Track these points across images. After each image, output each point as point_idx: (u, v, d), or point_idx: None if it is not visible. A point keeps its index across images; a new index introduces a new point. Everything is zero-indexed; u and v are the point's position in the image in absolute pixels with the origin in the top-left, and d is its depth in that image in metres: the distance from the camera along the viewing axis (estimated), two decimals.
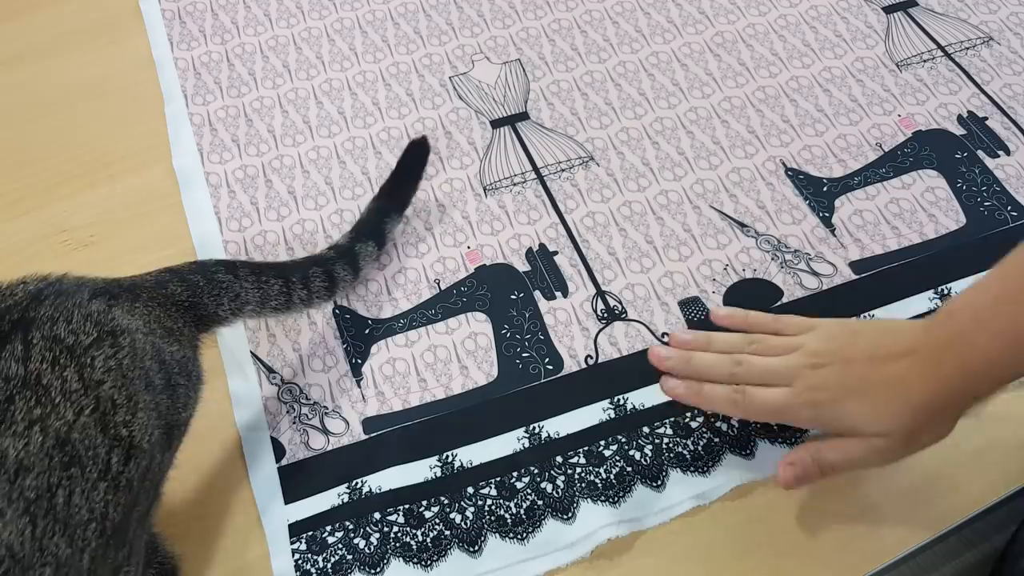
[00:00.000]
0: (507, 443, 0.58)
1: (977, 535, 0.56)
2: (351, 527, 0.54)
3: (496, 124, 0.74)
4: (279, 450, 0.57)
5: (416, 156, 0.68)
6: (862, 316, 0.63)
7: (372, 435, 0.58)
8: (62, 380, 0.38)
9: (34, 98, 0.76)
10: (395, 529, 0.54)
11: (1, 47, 0.79)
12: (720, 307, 0.62)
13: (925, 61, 0.77)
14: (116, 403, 0.40)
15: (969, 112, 0.74)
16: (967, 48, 0.78)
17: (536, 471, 0.57)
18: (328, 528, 0.54)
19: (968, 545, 0.55)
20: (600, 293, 0.65)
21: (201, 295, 0.50)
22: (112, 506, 0.39)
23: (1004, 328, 0.46)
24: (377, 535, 0.54)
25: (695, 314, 0.63)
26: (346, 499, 0.55)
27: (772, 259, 0.66)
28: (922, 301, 0.64)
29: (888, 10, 0.81)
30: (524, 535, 0.54)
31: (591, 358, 0.61)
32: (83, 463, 0.38)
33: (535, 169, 0.71)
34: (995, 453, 0.57)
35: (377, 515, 0.55)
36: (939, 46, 0.78)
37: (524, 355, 0.62)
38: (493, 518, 0.55)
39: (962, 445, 0.57)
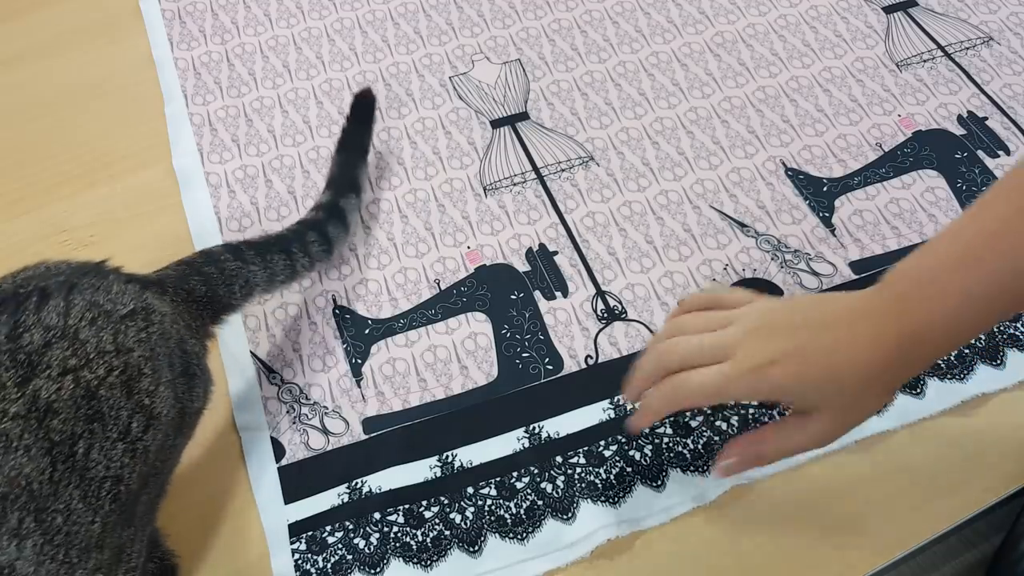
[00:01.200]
0: (507, 443, 0.58)
1: (977, 535, 0.56)
2: (351, 527, 0.54)
3: (496, 124, 0.74)
4: (279, 450, 0.57)
5: (363, 107, 0.69)
6: None
7: (372, 435, 0.58)
8: (98, 339, 0.41)
9: (34, 98, 0.76)
10: (395, 529, 0.54)
11: (1, 47, 0.79)
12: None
13: (925, 61, 0.77)
14: (142, 372, 0.42)
15: (969, 112, 0.74)
16: (967, 48, 0.78)
17: (536, 471, 0.57)
18: (328, 528, 0.54)
19: (968, 545, 0.55)
20: (600, 293, 0.65)
21: (216, 287, 0.51)
22: (127, 471, 0.41)
23: (948, 292, 0.43)
24: (377, 535, 0.54)
25: None
26: (346, 499, 0.55)
27: (772, 259, 0.66)
28: None
29: (888, 10, 0.81)
30: (524, 535, 0.54)
31: (591, 358, 0.61)
32: (106, 420, 0.40)
33: (535, 169, 0.71)
34: (995, 453, 0.57)
35: (377, 515, 0.55)
36: (939, 46, 0.78)
37: (524, 355, 0.62)
38: (493, 518, 0.55)
39: (962, 445, 0.58)
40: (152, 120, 0.74)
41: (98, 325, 0.41)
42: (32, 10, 0.82)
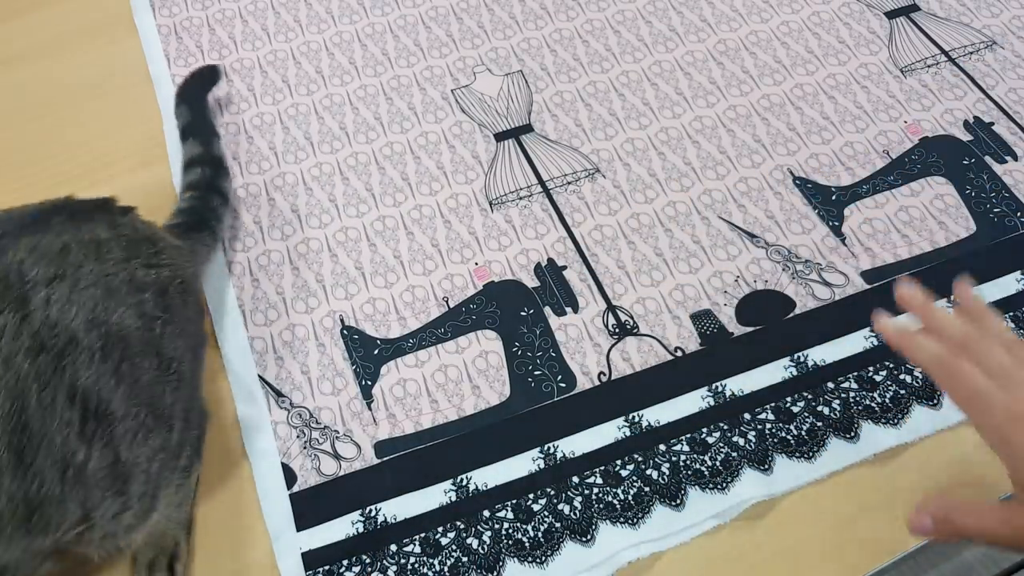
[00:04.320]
0: (522, 464, 0.57)
1: None
2: (368, 560, 0.53)
3: (500, 137, 0.73)
4: (290, 476, 0.56)
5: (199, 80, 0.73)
6: None
7: (384, 459, 0.57)
8: (171, 251, 0.54)
9: (34, 98, 0.75)
10: (412, 560, 0.53)
11: (1, 47, 0.78)
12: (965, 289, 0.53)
13: (929, 66, 0.77)
14: (189, 283, 0.55)
15: (975, 117, 0.73)
16: (971, 53, 0.78)
17: (552, 492, 0.56)
18: (345, 563, 0.53)
19: (968, 545, 0.55)
20: (611, 308, 0.64)
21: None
22: (186, 355, 0.52)
23: None
24: (394, 568, 0.53)
25: (708, 327, 0.63)
26: (360, 528, 0.54)
27: (783, 270, 0.65)
28: None
29: (891, 15, 0.81)
30: (543, 559, 0.53)
31: (604, 375, 0.61)
32: (174, 310, 0.51)
33: (541, 182, 0.70)
34: (995, 453, 0.57)
35: (393, 547, 0.54)
36: (943, 51, 0.78)
37: (536, 373, 0.61)
38: (511, 542, 0.54)
39: (962, 445, 0.58)
40: (152, 120, 0.73)
41: (171, 242, 0.55)
42: (32, 10, 0.81)
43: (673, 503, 0.55)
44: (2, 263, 0.44)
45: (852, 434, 0.58)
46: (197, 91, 0.72)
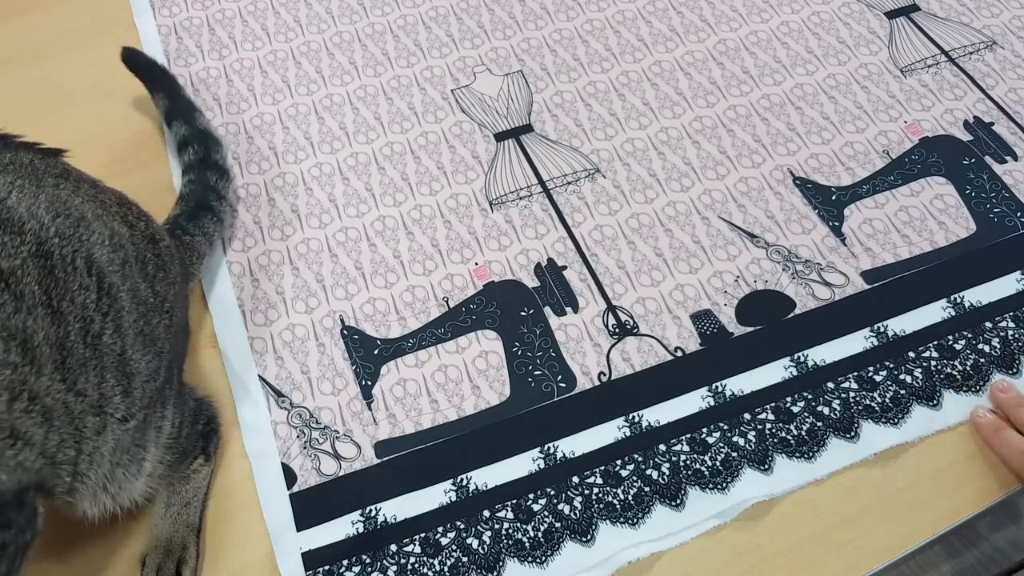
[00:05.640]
0: (522, 464, 0.57)
1: (977, 535, 0.56)
2: (368, 560, 0.53)
3: (500, 137, 0.73)
4: (290, 476, 0.56)
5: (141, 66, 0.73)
6: (877, 327, 0.62)
7: (385, 459, 0.57)
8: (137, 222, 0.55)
9: (34, 98, 0.75)
10: (412, 560, 0.53)
11: (1, 47, 0.78)
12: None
13: (929, 66, 0.77)
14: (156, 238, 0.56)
15: (975, 117, 0.73)
16: (971, 53, 0.78)
17: (552, 492, 0.56)
18: (345, 563, 0.53)
19: (968, 545, 0.55)
20: (611, 308, 0.64)
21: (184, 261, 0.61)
22: (169, 302, 0.53)
23: None
24: (394, 568, 0.53)
25: (708, 327, 0.63)
26: (360, 528, 0.54)
27: (783, 270, 0.65)
28: (935, 310, 0.63)
29: (891, 15, 0.81)
30: (543, 559, 0.53)
31: (604, 375, 0.61)
32: (164, 261, 0.54)
33: (541, 182, 0.70)
34: (995, 453, 0.57)
35: (393, 547, 0.54)
36: (943, 51, 0.78)
37: (536, 373, 0.61)
38: (511, 542, 0.54)
39: (962, 446, 0.58)
40: (152, 120, 0.73)
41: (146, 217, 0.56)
42: (32, 10, 0.81)
43: (673, 503, 0.55)
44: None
45: (852, 434, 0.58)
46: (163, 76, 0.73)
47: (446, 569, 0.53)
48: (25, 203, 0.44)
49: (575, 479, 0.56)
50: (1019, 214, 0.68)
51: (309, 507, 0.55)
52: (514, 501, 0.55)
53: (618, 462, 0.57)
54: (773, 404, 0.59)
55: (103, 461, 0.46)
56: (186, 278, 0.60)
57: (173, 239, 0.60)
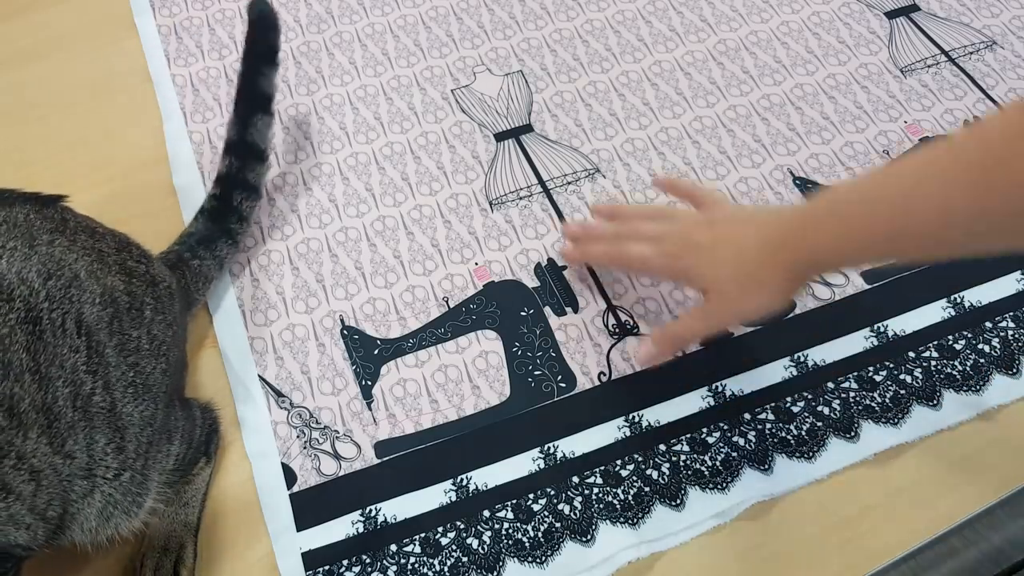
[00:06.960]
0: (522, 464, 0.57)
1: (977, 535, 0.56)
2: (368, 560, 0.53)
3: (500, 137, 0.73)
4: (290, 476, 0.56)
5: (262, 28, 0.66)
6: (877, 327, 0.62)
7: (385, 459, 0.57)
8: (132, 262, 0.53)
9: (34, 98, 0.75)
10: (412, 560, 0.53)
11: (1, 47, 0.78)
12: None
13: (929, 66, 0.77)
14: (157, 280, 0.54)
15: (975, 117, 0.73)
16: (971, 53, 0.78)
17: (553, 492, 0.56)
18: (345, 563, 0.53)
19: (968, 545, 0.55)
20: (611, 308, 0.64)
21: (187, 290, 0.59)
22: (168, 346, 0.52)
23: (834, 232, 0.50)
24: (394, 568, 0.53)
25: None
26: (360, 528, 0.54)
27: None
28: (935, 310, 0.63)
29: (891, 15, 0.81)
30: (543, 559, 0.53)
31: (604, 375, 0.61)
32: (163, 303, 0.53)
33: (541, 182, 0.70)
34: (995, 453, 0.57)
35: (393, 547, 0.54)
36: (943, 51, 0.78)
37: (536, 373, 0.61)
38: (511, 542, 0.54)
39: (962, 445, 0.58)
40: (152, 120, 0.73)
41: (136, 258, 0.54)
42: (32, 10, 0.81)
43: (673, 503, 0.55)
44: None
45: (852, 434, 0.58)
46: (270, 53, 0.67)
47: (446, 569, 0.53)
48: (16, 267, 0.44)
49: (575, 479, 0.56)
50: None
51: (309, 507, 0.55)
52: (514, 501, 0.55)
53: (618, 462, 0.57)
54: (773, 404, 0.59)
55: (92, 516, 0.46)
56: (188, 307, 0.59)
57: (180, 264, 0.59)
